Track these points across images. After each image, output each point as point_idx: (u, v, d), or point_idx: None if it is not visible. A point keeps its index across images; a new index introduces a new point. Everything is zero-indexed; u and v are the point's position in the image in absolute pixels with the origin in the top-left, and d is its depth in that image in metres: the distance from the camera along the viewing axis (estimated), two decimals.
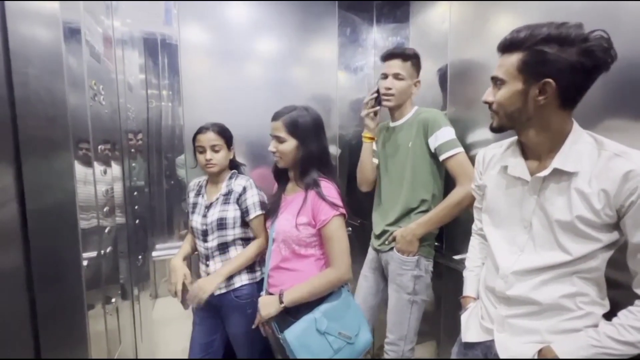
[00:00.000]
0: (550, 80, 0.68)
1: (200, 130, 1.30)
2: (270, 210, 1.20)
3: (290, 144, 1.07)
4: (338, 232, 1.03)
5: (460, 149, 1.23)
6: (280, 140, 1.08)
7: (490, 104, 0.80)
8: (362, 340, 1.08)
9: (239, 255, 1.29)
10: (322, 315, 1.02)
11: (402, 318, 1.33)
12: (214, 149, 1.29)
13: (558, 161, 0.73)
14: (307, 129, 1.07)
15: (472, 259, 1.03)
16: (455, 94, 1.40)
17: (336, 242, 1.03)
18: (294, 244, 1.07)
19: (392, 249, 1.34)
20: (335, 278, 1.03)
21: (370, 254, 1.48)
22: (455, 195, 1.23)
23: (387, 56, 1.34)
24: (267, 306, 1.06)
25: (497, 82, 0.77)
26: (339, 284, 1.06)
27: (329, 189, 1.05)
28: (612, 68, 0.83)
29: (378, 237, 1.41)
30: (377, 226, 1.42)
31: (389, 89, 1.32)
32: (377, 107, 1.36)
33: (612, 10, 0.86)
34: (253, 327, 1.15)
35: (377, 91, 1.35)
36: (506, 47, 0.74)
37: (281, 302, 1.03)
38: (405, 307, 1.33)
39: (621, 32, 0.84)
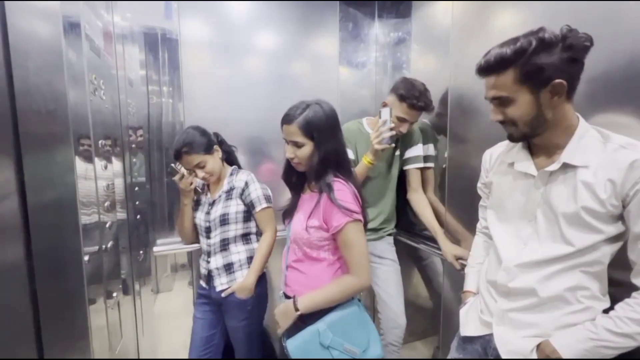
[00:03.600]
0: (561, 80, 0.71)
1: (176, 156, 1.26)
2: (288, 209, 1.13)
3: (309, 147, 0.97)
4: (354, 238, 0.94)
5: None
6: (298, 145, 0.97)
7: (502, 122, 0.79)
8: (371, 355, 1.01)
9: (256, 257, 1.31)
10: (327, 328, 0.95)
11: (400, 285, 1.56)
12: (199, 165, 1.26)
13: (567, 156, 0.75)
14: (323, 128, 0.97)
15: (475, 256, 1.04)
16: (457, 89, 1.39)
17: (354, 249, 0.94)
18: (305, 246, 1.01)
19: (382, 237, 1.56)
20: (355, 285, 0.96)
21: None
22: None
23: (420, 107, 1.37)
24: (284, 318, 1.00)
25: (501, 100, 0.76)
26: (359, 291, 1.00)
27: (343, 192, 0.95)
28: (615, 66, 0.84)
29: (367, 230, 1.50)
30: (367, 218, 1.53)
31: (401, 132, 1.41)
32: (392, 145, 1.36)
33: (614, 8, 0.85)
34: (225, 294, 1.25)
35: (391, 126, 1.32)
36: (493, 68, 0.75)
37: (296, 309, 0.97)
38: (399, 276, 1.57)
39: (622, 30, 0.83)
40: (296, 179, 1.11)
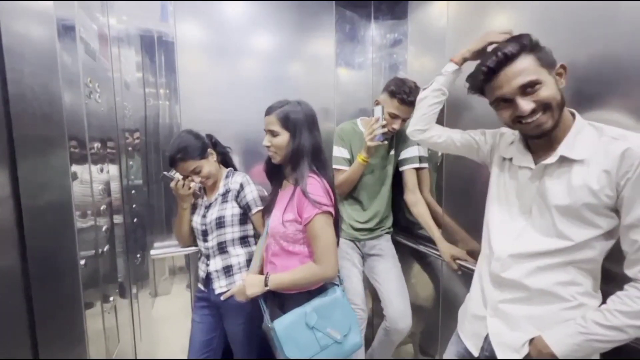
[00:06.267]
0: (563, 63, 0.76)
1: (171, 163, 1.25)
2: (267, 205, 1.21)
3: (284, 137, 1.06)
4: (322, 231, 1.00)
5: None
6: (274, 134, 1.07)
7: (532, 112, 0.75)
8: (351, 342, 1.07)
9: (255, 257, 1.28)
10: (313, 310, 1.03)
11: (402, 282, 1.54)
12: (194, 171, 1.26)
13: (564, 149, 0.76)
14: (299, 122, 1.06)
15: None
16: (453, 90, 1.40)
17: (320, 240, 1.00)
18: (281, 239, 1.07)
19: (380, 235, 1.58)
20: (319, 274, 1.02)
21: (347, 244, 1.56)
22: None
23: (411, 102, 1.36)
24: (253, 286, 1.07)
25: (533, 86, 0.74)
26: (323, 280, 1.06)
27: (314, 186, 1.01)
28: (611, 66, 0.84)
29: (364, 229, 1.56)
30: (363, 220, 1.56)
31: (394, 128, 1.43)
32: (385, 142, 1.40)
33: (607, 9, 0.86)
34: (224, 297, 1.23)
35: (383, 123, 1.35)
36: (512, 55, 0.75)
37: (266, 284, 1.05)
38: (400, 272, 1.56)
39: (615, 31, 0.84)
40: (275, 173, 1.19)
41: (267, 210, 1.19)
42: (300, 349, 1.00)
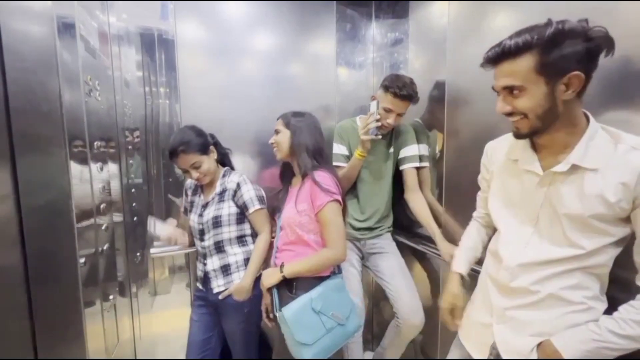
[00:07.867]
0: (579, 72, 0.66)
1: (171, 156, 1.25)
2: (277, 204, 1.27)
3: (285, 134, 1.19)
4: (334, 217, 1.09)
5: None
6: (277, 132, 1.21)
7: (510, 113, 0.73)
8: (353, 323, 1.17)
9: (253, 258, 1.30)
10: (318, 296, 1.10)
11: (408, 277, 1.52)
12: (194, 166, 1.25)
13: (576, 157, 0.72)
14: (299, 123, 1.19)
15: (467, 239, 1.05)
16: (454, 89, 1.39)
17: (332, 226, 1.09)
18: (298, 228, 1.14)
19: (380, 235, 1.58)
20: (331, 257, 1.11)
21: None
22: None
23: (404, 96, 1.37)
24: (269, 277, 1.15)
25: (512, 90, 0.71)
26: (335, 263, 1.15)
27: (324, 177, 1.12)
28: (612, 63, 0.83)
29: (364, 229, 1.57)
30: (362, 218, 1.57)
31: (389, 124, 1.42)
32: (379, 136, 1.40)
33: (610, 9, 0.85)
34: (222, 296, 1.27)
35: (377, 119, 1.36)
36: (511, 52, 0.69)
37: (281, 272, 1.12)
38: (405, 268, 1.55)
39: (619, 30, 0.83)
40: (287, 174, 1.29)
41: (277, 209, 1.25)
42: (309, 332, 1.07)
